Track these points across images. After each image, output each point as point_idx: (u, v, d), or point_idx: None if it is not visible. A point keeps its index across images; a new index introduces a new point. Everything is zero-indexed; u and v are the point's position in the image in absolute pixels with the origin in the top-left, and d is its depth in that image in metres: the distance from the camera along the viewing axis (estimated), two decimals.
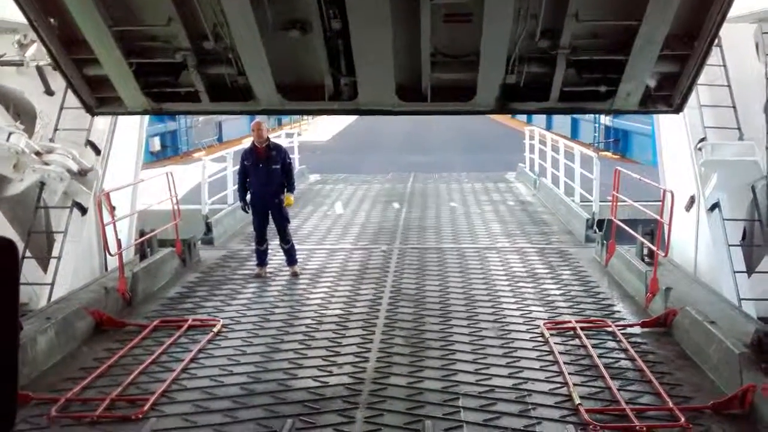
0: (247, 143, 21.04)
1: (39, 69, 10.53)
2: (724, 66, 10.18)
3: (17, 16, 9.23)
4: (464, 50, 5.89)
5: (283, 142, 19.58)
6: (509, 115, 47.48)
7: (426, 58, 5.85)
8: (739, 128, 9.97)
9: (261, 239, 10.01)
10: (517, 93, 6.24)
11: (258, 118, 9.73)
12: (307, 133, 38.87)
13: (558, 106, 6.37)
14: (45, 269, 9.98)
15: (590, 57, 5.90)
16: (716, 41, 10.11)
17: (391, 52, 5.70)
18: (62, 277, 9.67)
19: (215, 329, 7.68)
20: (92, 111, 6.85)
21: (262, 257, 10.09)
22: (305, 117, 43.91)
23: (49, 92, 10.76)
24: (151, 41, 5.95)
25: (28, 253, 9.70)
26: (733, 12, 9.21)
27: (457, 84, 6.17)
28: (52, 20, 5.76)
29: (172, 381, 6.34)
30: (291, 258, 10.11)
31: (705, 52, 5.77)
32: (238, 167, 10.24)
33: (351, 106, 6.41)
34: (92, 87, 6.46)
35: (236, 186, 10.67)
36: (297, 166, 19.90)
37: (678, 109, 6.46)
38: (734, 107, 10.05)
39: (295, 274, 9.95)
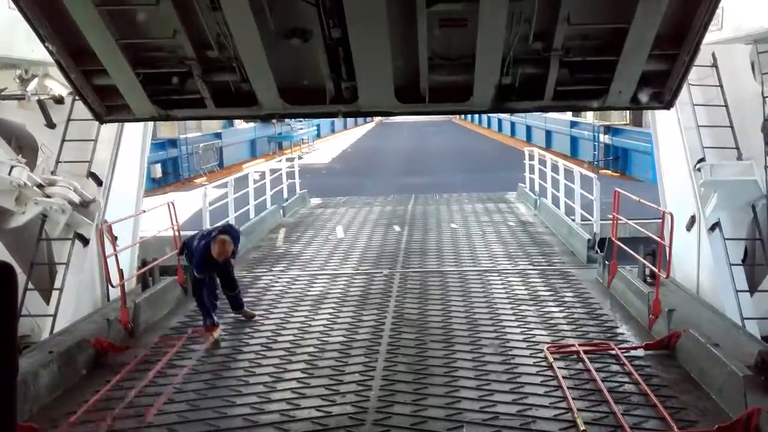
0: (248, 168, 21.07)
1: (40, 102, 10.67)
2: (721, 86, 10.26)
3: (18, 53, 9.43)
4: (460, 53, 6.05)
5: (284, 166, 19.69)
6: (509, 135, 47.76)
7: (423, 62, 6.01)
8: (737, 148, 10.02)
9: (213, 288, 8.88)
10: (512, 93, 6.41)
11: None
12: (308, 156, 39.07)
13: (552, 104, 6.55)
14: (47, 301, 10.00)
15: (582, 58, 6.09)
16: (712, 62, 10.31)
17: (389, 57, 5.85)
18: (64, 309, 9.68)
19: (215, 335, 7.85)
20: (101, 119, 7.06)
21: (211, 311, 8.63)
22: (306, 141, 44.22)
23: (51, 125, 10.87)
24: (157, 52, 6.15)
25: (30, 285, 9.73)
26: (728, 33, 9.38)
27: (454, 85, 6.35)
28: (49, 46, 5.91)
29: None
30: (238, 302, 9.21)
31: (694, 50, 5.94)
32: (198, 275, 8.52)
33: (352, 108, 6.58)
34: (101, 96, 6.67)
35: (198, 301, 8.66)
36: (298, 191, 20.03)
37: (668, 105, 6.64)
38: (732, 127, 10.11)
39: (251, 317, 9.15)
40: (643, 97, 6.50)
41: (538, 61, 6.08)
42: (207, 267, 8.55)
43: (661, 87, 6.44)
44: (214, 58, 6.07)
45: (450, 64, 6.14)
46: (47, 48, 5.93)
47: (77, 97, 7.14)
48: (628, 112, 28.57)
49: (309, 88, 6.42)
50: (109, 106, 6.79)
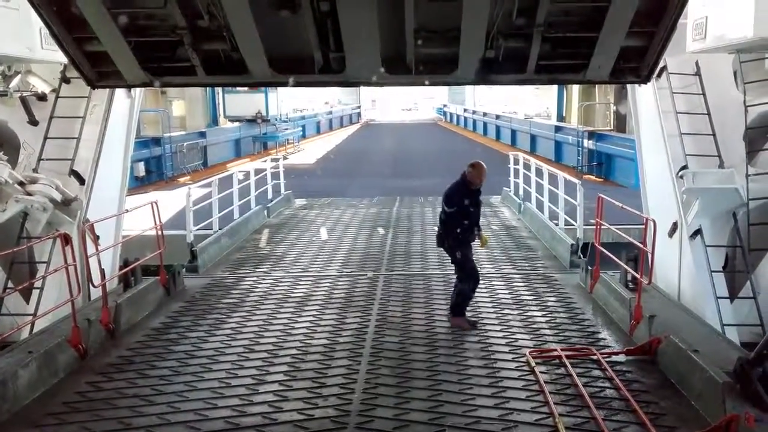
0: (233, 168, 20.95)
1: (23, 99, 10.56)
2: (704, 95, 10.36)
3: (1, 49, 9.32)
4: (446, 26, 6.17)
5: (268, 166, 19.61)
6: (494, 138, 47.92)
7: (410, 34, 6.14)
8: (719, 156, 10.12)
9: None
10: (495, 66, 6.57)
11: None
12: (293, 157, 38.98)
13: (534, 77, 6.76)
14: (27, 300, 9.88)
15: (564, 34, 6.28)
16: (696, 70, 10.41)
17: (377, 29, 5.97)
18: (44, 308, 9.56)
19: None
20: (93, 84, 7.17)
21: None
22: (291, 142, 44.09)
23: (33, 122, 10.78)
24: (148, 20, 6.22)
25: (10, 284, 9.61)
26: (711, 42, 9.48)
27: (440, 58, 6.53)
28: (41, 12, 5.99)
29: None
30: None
31: (671, 27, 6.14)
32: (451, 208, 8.70)
33: (339, 78, 6.74)
34: (93, 62, 6.76)
35: (452, 230, 8.75)
36: (283, 191, 19.94)
37: (646, 80, 6.87)
38: (714, 135, 10.21)
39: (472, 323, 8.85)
40: (622, 72, 6.73)
41: (521, 35, 6.24)
42: (466, 199, 8.68)
43: (639, 62, 6.65)
44: (205, 27, 6.17)
45: (436, 36, 6.27)
46: (40, 15, 5.99)
47: (70, 64, 7.19)
48: (612, 118, 28.79)
49: (298, 57, 6.54)
50: (100, 72, 6.89)
